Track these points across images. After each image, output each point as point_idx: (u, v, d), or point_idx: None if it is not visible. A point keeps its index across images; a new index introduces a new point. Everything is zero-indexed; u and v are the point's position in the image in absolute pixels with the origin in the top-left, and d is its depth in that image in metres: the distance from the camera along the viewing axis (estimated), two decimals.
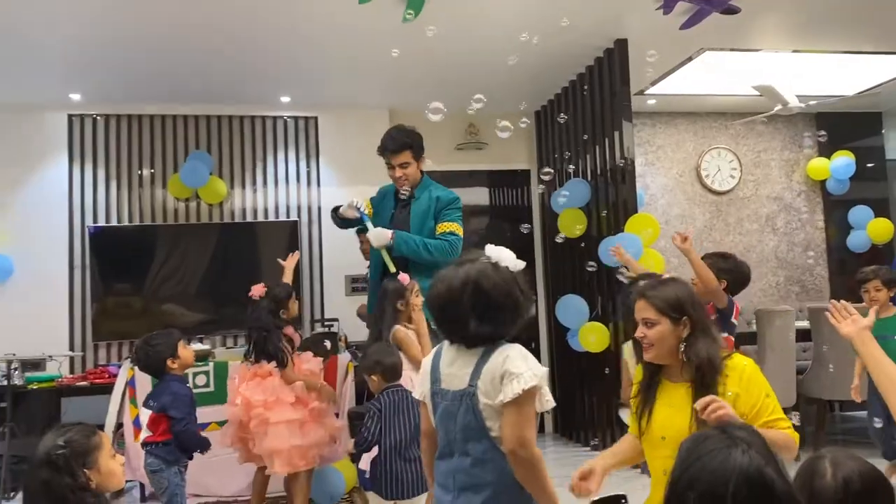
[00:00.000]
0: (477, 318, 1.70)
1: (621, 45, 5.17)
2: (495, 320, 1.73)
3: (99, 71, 5.26)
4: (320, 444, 3.77)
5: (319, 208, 6.26)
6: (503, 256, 1.80)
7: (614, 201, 5.30)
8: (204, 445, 3.26)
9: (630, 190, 5.17)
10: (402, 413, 3.11)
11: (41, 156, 5.83)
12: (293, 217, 6.22)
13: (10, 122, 5.77)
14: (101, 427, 4.40)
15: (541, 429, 6.16)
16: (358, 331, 5.38)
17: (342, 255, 6.14)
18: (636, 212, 5.09)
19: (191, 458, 3.31)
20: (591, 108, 5.61)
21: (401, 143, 3.98)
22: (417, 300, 3.54)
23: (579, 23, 4.75)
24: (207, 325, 5.82)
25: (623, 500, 1.32)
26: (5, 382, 4.94)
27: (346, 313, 5.79)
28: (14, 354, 5.04)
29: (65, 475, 1.70)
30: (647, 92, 6.18)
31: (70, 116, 5.90)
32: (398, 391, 3.16)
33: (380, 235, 3.82)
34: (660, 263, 4.86)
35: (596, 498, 1.33)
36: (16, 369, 5.10)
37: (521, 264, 1.81)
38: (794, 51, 5.38)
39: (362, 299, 5.94)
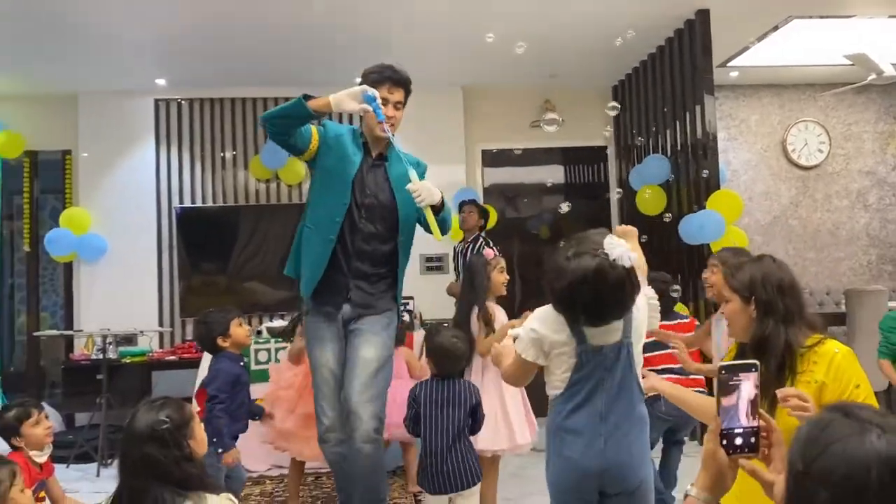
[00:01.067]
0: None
1: (703, 15, 4.99)
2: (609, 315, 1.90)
3: (183, 57, 5.43)
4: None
5: None
6: (619, 253, 1.82)
7: (695, 178, 5.15)
8: (217, 435, 3.00)
9: (712, 166, 5.01)
10: (448, 406, 2.89)
11: (130, 140, 6.08)
12: (434, 191, 6.28)
13: (100, 108, 6.02)
14: (189, 400, 4.59)
15: None
16: (432, 309, 5.44)
17: (417, 234, 6.19)
18: (718, 188, 4.94)
19: (235, 437, 3.20)
20: (670, 82, 5.46)
21: (405, 78, 3.11)
22: (501, 276, 3.53)
23: None
24: (288, 303, 5.98)
25: (754, 368, 1.27)
26: (101, 356, 5.21)
27: (420, 291, 5.84)
28: (109, 330, 5.31)
29: (173, 448, 1.75)
30: (729, 64, 5.96)
31: (156, 101, 6.12)
32: (447, 383, 2.94)
33: (433, 190, 2.84)
34: (743, 241, 4.72)
35: (726, 363, 1.29)
36: (110, 344, 5.37)
37: (634, 257, 1.86)
38: (891, 16, 5.09)
39: (436, 278, 6.00)
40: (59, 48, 5.11)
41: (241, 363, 3.35)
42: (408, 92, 3.15)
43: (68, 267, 6.15)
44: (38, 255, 6.30)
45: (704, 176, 4.96)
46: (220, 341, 3.28)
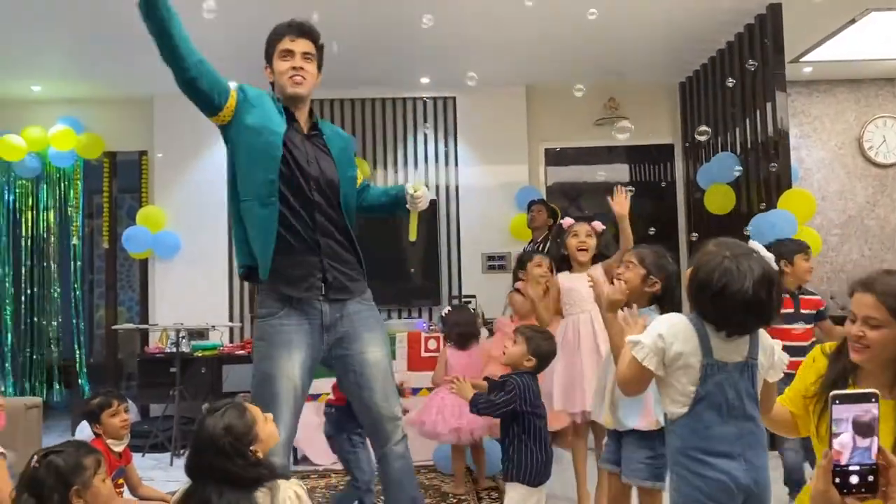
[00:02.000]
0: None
1: (775, 9, 4.86)
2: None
3: (253, 59, 5.57)
4: None
5: (457, 187, 6.36)
6: (770, 256, 1.86)
7: (766, 176, 5.02)
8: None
9: (784, 164, 4.87)
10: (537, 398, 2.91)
11: (202, 140, 6.26)
12: (431, 196, 6.35)
13: (175, 111, 6.22)
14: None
15: None
16: (494, 308, 5.44)
17: (479, 233, 6.24)
18: (790, 187, 4.80)
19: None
20: (740, 78, 5.33)
21: (311, 29, 2.79)
22: (538, 270, 3.57)
23: None
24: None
25: (874, 399, 1.13)
26: (175, 350, 5.41)
27: (483, 290, 5.86)
28: (182, 324, 5.50)
29: (237, 458, 1.79)
30: (803, 59, 5.78)
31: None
32: (533, 377, 2.93)
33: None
34: (816, 242, 4.57)
35: (840, 392, 1.17)
36: (183, 337, 5.56)
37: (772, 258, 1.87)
38: None
39: (498, 276, 6.01)
40: (135, 54, 5.31)
41: None
42: (317, 45, 2.78)
43: (144, 263, 6.39)
44: (115, 251, 6.57)
45: (773, 170, 4.83)
46: None
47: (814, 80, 6.46)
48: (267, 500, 1.78)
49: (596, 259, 3.51)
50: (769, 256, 1.83)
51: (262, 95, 2.70)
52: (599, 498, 3.29)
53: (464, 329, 4.01)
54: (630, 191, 3.31)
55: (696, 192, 5.83)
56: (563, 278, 3.56)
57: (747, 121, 5.26)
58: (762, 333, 1.88)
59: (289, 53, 2.70)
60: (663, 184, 6.25)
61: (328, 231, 2.60)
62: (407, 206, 2.73)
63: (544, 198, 6.31)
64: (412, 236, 2.75)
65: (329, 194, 2.62)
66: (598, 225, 3.53)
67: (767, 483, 1.87)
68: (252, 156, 2.57)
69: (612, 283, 2.54)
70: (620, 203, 3.33)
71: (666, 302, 2.56)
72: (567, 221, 3.59)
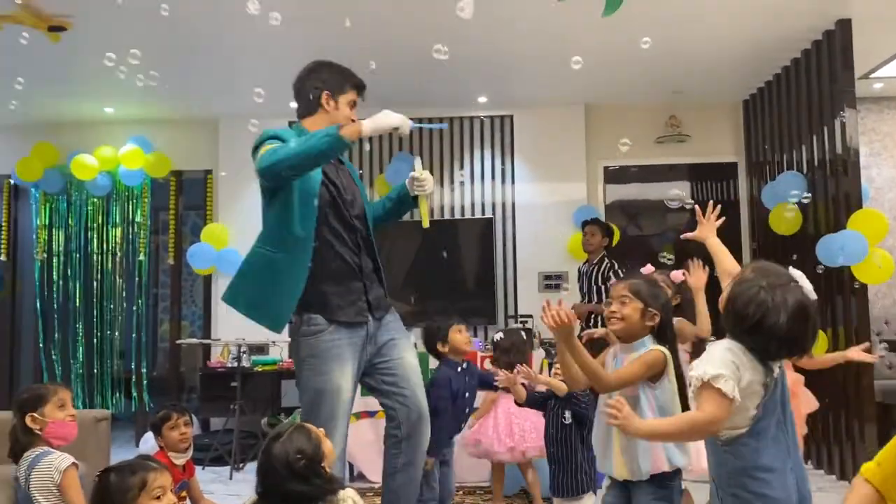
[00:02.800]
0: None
1: (844, 25, 4.73)
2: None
3: None
4: None
5: (514, 205, 6.35)
6: (808, 283, 1.85)
7: (834, 195, 4.87)
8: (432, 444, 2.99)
9: (853, 183, 4.72)
10: None
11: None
12: (488, 214, 6.35)
13: (239, 131, 6.37)
14: None
15: None
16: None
17: (536, 252, 6.20)
18: (860, 207, 4.64)
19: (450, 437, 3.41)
20: (806, 95, 5.20)
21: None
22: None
23: (795, 4, 4.44)
24: (413, 317, 6.10)
25: None
26: (236, 364, 5.51)
27: (539, 309, 5.80)
28: (243, 339, 5.60)
29: (314, 479, 1.88)
30: (873, 75, 5.61)
31: (290, 123, 6.42)
32: None
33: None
34: (889, 264, 4.41)
35: None
36: (244, 352, 5.67)
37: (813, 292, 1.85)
38: None
39: (556, 296, 5.93)
40: (202, 77, 5.49)
41: (459, 369, 3.43)
42: None
43: (207, 279, 6.55)
44: (180, 267, 6.75)
45: (841, 189, 4.68)
46: (439, 347, 3.42)
47: (884, 97, 6.26)
48: None
49: (676, 311, 3.04)
50: (808, 287, 1.82)
51: (296, 132, 2.80)
52: None
53: (512, 358, 3.95)
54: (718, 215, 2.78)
55: (762, 212, 5.68)
56: None
57: (814, 138, 5.12)
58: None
59: (354, 105, 2.94)
60: (725, 209, 6.08)
61: (366, 253, 2.80)
62: (412, 193, 2.86)
63: (601, 216, 6.25)
64: (424, 223, 2.88)
65: (363, 218, 2.82)
66: (677, 275, 3.20)
67: (810, 493, 1.92)
68: (298, 195, 2.66)
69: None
70: (698, 277, 3.06)
71: (663, 333, 2.38)
72: (647, 269, 3.37)
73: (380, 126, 2.63)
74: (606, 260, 5.41)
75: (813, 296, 1.82)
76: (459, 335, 3.41)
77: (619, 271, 5.27)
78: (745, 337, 1.81)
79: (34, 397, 2.71)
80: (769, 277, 1.81)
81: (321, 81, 2.88)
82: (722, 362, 1.79)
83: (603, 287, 5.26)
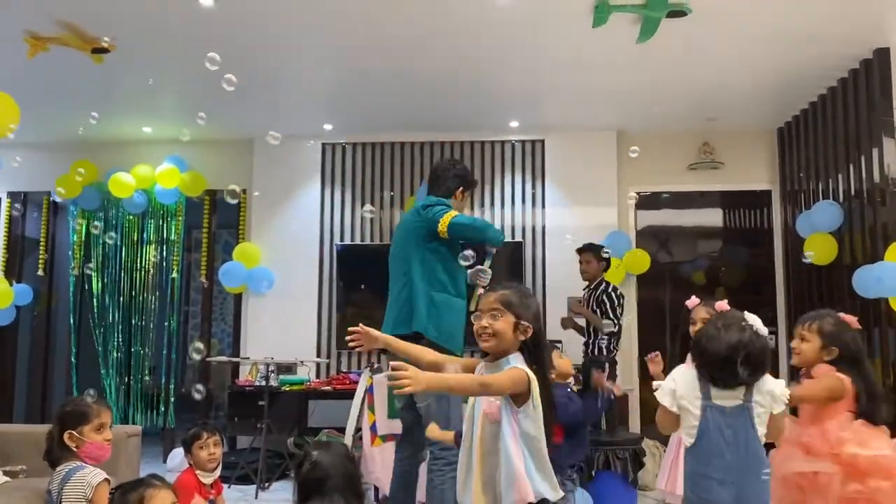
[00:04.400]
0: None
1: (882, 54, 4.69)
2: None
3: (348, 103, 5.78)
4: None
5: (544, 228, 6.33)
6: (760, 326, 2.24)
7: (871, 225, 4.79)
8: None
9: (890, 213, 4.64)
10: None
11: (298, 180, 6.50)
12: (517, 238, 6.34)
13: (273, 151, 6.50)
14: (341, 430, 4.78)
15: None
16: (580, 353, 5.34)
17: (565, 277, 6.13)
18: None
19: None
20: (843, 124, 5.14)
21: None
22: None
23: (832, 32, 4.40)
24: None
25: None
26: (264, 383, 5.54)
27: (569, 335, 5.77)
28: (272, 358, 5.64)
29: (359, 468, 2.19)
30: None
31: (323, 145, 6.52)
32: None
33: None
34: None
35: None
36: (272, 371, 5.69)
37: (765, 330, 2.26)
38: None
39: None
40: (238, 99, 5.58)
41: (568, 389, 3.37)
42: None
43: (238, 297, 6.61)
44: (212, 285, 6.83)
45: (879, 220, 4.60)
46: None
47: None
48: None
49: None
50: (759, 326, 2.22)
51: (444, 203, 3.61)
52: None
53: None
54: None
55: (796, 241, 5.60)
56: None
57: (851, 167, 5.05)
58: (765, 379, 2.21)
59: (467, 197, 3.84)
60: (756, 244, 5.84)
61: None
62: (472, 282, 3.51)
63: (632, 243, 6.21)
64: (472, 307, 3.41)
65: None
66: (722, 305, 3.03)
67: None
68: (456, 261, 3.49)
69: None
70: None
71: (536, 352, 2.21)
72: (692, 302, 3.28)
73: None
74: (603, 283, 5.33)
75: (763, 331, 2.22)
76: (562, 360, 3.34)
77: (613, 293, 5.19)
78: (698, 360, 2.24)
79: (77, 415, 2.73)
80: (726, 319, 2.26)
81: (459, 178, 3.73)
82: (667, 380, 2.29)
83: (598, 310, 5.18)
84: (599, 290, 5.19)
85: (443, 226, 3.39)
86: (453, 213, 3.45)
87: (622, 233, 6.18)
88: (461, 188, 3.72)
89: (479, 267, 3.44)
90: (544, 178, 6.40)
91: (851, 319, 2.77)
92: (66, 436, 2.69)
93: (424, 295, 3.43)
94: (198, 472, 3.13)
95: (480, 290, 3.45)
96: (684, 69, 4.99)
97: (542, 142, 6.42)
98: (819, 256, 5.16)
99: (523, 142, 6.44)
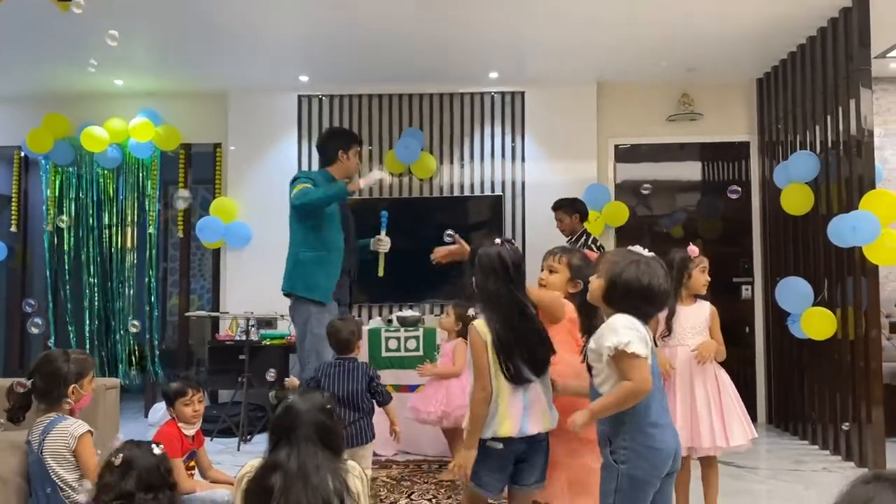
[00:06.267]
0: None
1: (861, 2, 4.66)
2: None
3: (324, 54, 5.67)
4: None
5: (523, 183, 6.32)
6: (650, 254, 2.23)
7: (847, 176, 4.83)
8: None
9: (867, 164, 4.67)
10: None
11: (274, 134, 6.41)
12: (497, 192, 6.32)
13: (248, 104, 6.39)
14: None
15: (753, 418, 5.81)
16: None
17: (544, 232, 6.13)
18: (873, 188, 4.60)
19: None
20: (821, 75, 5.14)
21: None
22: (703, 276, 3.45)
23: None
24: (418, 293, 6.11)
25: None
26: (244, 337, 5.54)
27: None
28: (251, 313, 5.63)
29: (336, 422, 2.11)
30: (889, 55, 5.54)
31: (299, 97, 6.42)
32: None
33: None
34: None
35: None
36: (252, 326, 5.69)
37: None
38: None
39: None
40: (211, 50, 5.47)
41: None
42: None
43: (216, 253, 6.56)
44: (189, 241, 6.77)
45: (855, 171, 4.64)
46: None
47: None
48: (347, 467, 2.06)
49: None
50: (654, 256, 2.21)
51: (319, 175, 4.25)
52: None
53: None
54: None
55: (773, 192, 5.64)
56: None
57: (829, 118, 5.07)
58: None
59: (358, 153, 4.38)
60: (734, 196, 5.76)
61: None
62: (373, 248, 4.43)
63: (611, 195, 6.22)
64: (380, 273, 4.43)
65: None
66: (693, 250, 3.44)
67: (681, 447, 2.24)
68: (327, 218, 4.16)
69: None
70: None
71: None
72: (693, 251, 3.39)
73: (369, 182, 4.29)
74: (584, 236, 5.36)
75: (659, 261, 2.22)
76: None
77: (593, 245, 5.23)
78: (637, 302, 2.14)
79: (81, 368, 2.80)
80: (633, 255, 2.18)
81: (336, 140, 4.29)
82: (626, 330, 2.08)
83: None
84: (580, 244, 5.22)
85: (293, 202, 4.08)
86: (298, 188, 4.03)
87: (602, 185, 6.19)
88: (341, 150, 4.22)
89: (378, 236, 4.39)
90: (524, 131, 6.36)
91: (594, 255, 2.97)
92: (70, 391, 2.73)
93: (293, 256, 4.21)
94: (181, 424, 3.15)
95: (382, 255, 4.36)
96: (664, 19, 4.94)
97: (522, 94, 6.36)
98: (795, 207, 5.21)
99: (503, 94, 6.38)
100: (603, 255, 2.30)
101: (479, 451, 2.47)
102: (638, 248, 2.22)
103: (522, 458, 2.51)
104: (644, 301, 2.15)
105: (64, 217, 6.42)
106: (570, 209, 5.41)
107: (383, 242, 4.38)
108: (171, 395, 3.15)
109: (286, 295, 4.30)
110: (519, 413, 2.45)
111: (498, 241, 2.63)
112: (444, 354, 4.47)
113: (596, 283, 2.21)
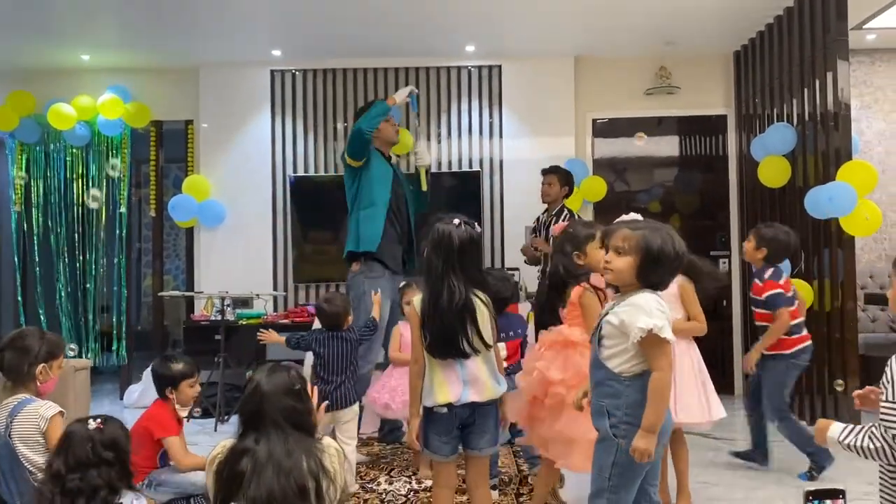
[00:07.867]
0: None
1: None
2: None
3: (297, 28, 5.55)
4: None
5: (501, 160, 6.26)
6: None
7: (824, 149, 4.83)
8: None
9: (844, 136, 4.68)
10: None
11: (247, 110, 6.28)
12: (475, 168, 6.27)
13: (220, 80, 6.25)
14: (301, 363, 4.75)
15: (730, 390, 5.87)
16: (537, 282, 5.36)
17: (523, 206, 6.11)
18: (850, 160, 4.61)
19: None
20: (798, 47, 5.12)
21: None
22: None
23: None
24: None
25: (842, 496, 1.26)
26: (220, 317, 5.46)
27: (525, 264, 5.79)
28: (227, 292, 5.55)
29: (306, 402, 2.02)
30: (866, 26, 5.53)
31: (272, 72, 6.29)
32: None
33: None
34: (876, 216, 4.40)
35: (812, 489, 1.32)
36: (228, 306, 5.62)
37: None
38: None
39: None
40: (181, 24, 5.33)
41: None
42: None
43: (190, 232, 6.45)
44: (162, 220, 6.65)
45: (832, 143, 4.64)
46: None
47: (877, 49, 6.20)
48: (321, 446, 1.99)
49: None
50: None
51: (373, 152, 4.69)
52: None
53: None
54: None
55: (750, 165, 5.64)
56: None
57: (805, 91, 5.06)
58: None
59: (391, 121, 4.82)
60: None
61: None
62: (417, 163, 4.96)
63: (590, 171, 6.19)
64: (423, 186, 4.98)
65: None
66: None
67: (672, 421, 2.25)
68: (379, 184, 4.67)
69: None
70: None
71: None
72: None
73: (403, 96, 4.92)
74: (565, 210, 5.32)
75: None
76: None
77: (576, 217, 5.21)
78: (665, 272, 2.09)
79: (54, 350, 2.75)
80: (647, 223, 2.16)
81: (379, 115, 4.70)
82: (659, 313, 2.02)
83: None
84: (564, 217, 5.17)
85: (347, 149, 4.60)
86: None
87: (580, 161, 6.15)
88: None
89: (415, 150, 5.03)
90: (501, 106, 6.29)
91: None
92: (39, 369, 2.67)
93: (353, 218, 4.61)
94: (177, 405, 3.12)
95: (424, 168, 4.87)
96: None
97: (499, 67, 6.29)
98: (773, 179, 5.21)
99: (479, 68, 6.30)
100: (598, 229, 2.34)
101: (426, 418, 2.57)
102: (634, 216, 2.21)
103: (469, 423, 2.56)
104: (672, 271, 2.12)
105: (96, 193, 6.27)
106: (563, 179, 5.33)
107: (421, 155, 4.88)
108: (177, 377, 3.09)
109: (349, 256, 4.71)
110: (457, 384, 2.51)
111: (456, 221, 2.57)
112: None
113: (624, 262, 2.08)
